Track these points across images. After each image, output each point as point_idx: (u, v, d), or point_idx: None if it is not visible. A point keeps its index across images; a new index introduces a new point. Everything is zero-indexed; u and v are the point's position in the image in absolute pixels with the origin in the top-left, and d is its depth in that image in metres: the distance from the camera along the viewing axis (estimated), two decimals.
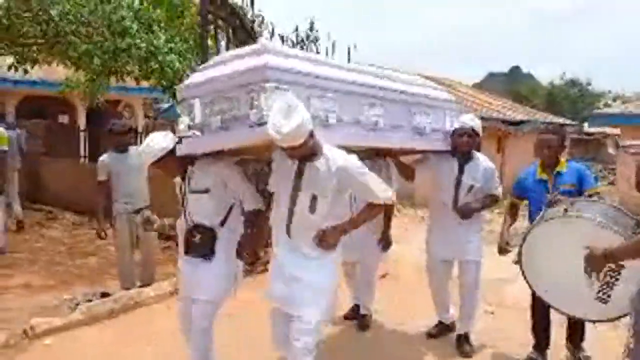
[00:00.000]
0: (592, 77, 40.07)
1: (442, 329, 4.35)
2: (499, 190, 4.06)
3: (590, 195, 3.46)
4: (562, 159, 3.69)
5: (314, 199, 2.77)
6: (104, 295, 5.03)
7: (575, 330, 3.72)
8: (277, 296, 2.96)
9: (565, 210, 3.11)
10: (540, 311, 3.71)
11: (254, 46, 3.07)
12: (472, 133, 3.90)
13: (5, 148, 6.62)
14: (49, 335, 4.10)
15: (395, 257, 5.90)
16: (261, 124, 2.59)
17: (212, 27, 5.05)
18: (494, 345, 4.19)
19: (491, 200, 4.06)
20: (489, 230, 8.15)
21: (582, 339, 3.74)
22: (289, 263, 2.90)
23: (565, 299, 3.14)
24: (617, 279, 2.87)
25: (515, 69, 58.35)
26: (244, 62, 2.78)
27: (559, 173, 3.64)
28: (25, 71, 6.96)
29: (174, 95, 6.40)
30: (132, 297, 4.76)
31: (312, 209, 2.78)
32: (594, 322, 3.41)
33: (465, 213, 3.93)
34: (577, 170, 3.65)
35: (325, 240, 2.82)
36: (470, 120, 3.93)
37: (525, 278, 3.33)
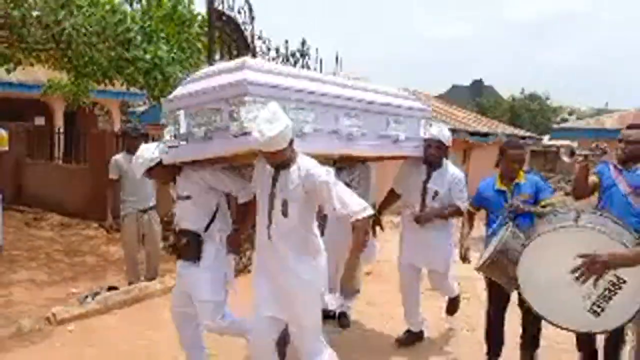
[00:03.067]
0: (550, 92, 41.60)
1: (410, 336, 4.43)
2: (463, 203, 4.14)
3: (544, 206, 3.59)
4: (521, 171, 3.80)
5: (284, 203, 2.93)
6: (111, 288, 5.36)
7: (528, 338, 3.83)
8: (273, 311, 3.05)
9: (576, 220, 3.07)
10: (495, 318, 3.87)
11: (235, 61, 3.33)
12: (439, 144, 4.08)
13: (6, 149, 6.85)
14: (70, 322, 4.45)
15: (379, 257, 6.37)
16: (241, 134, 2.80)
17: (217, 40, 5.46)
18: (470, 328, 4.72)
19: (453, 211, 4.16)
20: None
21: (536, 346, 3.85)
22: (274, 271, 3.03)
23: (557, 309, 3.06)
24: (615, 293, 2.83)
25: (478, 82, 60.05)
26: (226, 77, 2.99)
27: (517, 184, 3.75)
28: (8, 71, 7.24)
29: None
30: (141, 290, 5.13)
31: (285, 213, 2.93)
32: (583, 334, 3.38)
33: (420, 220, 4.09)
34: (534, 181, 3.78)
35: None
36: (438, 133, 4.10)
37: (518, 287, 3.23)
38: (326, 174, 2.92)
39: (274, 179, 2.96)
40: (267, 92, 2.90)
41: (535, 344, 3.86)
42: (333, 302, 4.64)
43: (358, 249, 2.99)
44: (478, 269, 3.60)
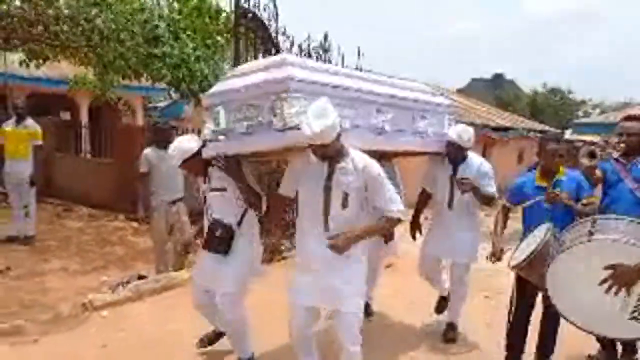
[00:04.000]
0: (573, 86, 41.20)
1: (445, 302, 4.64)
2: (493, 190, 4.23)
3: (585, 205, 3.52)
4: (561, 167, 3.72)
5: (345, 196, 3.02)
6: (141, 277, 5.56)
7: (546, 345, 3.81)
8: (311, 292, 3.12)
9: (590, 232, 2.97)
10: (519, 319, 3.79)
11: (275, 58, 3.44)
12: (455, 145, 4.15)
13: (41, 142, 7.11)
14: (104, 309, 4.67)
15: (400, 251, 6.46)
16: (284, 129, 2.89)
17: (243, 37, 5.61)
18: (490, 325, 4.76)
19: (486, 197, 4.20)
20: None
21: (551, 351, 3.82)
22: (326, 258, 3.04)
23: (598, 321, 2.97)
24: None
25: (499, 76, 59.40)
26: (267, 74, 3.07)
27: (558, 180, 3.64)
28: (37, 67, 7.51)
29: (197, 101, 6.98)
30: (170, 279, 5.33)
31: (344, 205, 3.03)
32: (633, 340, 3.36)
33: (464, 185, 4.11)
34: (575, 178, 3.66)
35: (336, 244, 2.98)
36: (457, 137, 4.13)
37: (552, 301, 3.10)
38: (381, 170, 3.07)
39: (330, 173, 3.04)
40: (308, 89, 3.00)
41: (552, 347, 3.83)
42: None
43: (371, 234, 3.23)
44: (514, 268, 3.50)
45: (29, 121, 7.05)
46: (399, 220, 3.15)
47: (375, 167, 3.06)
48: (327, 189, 3.04)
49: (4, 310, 4.70)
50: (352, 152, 3.08)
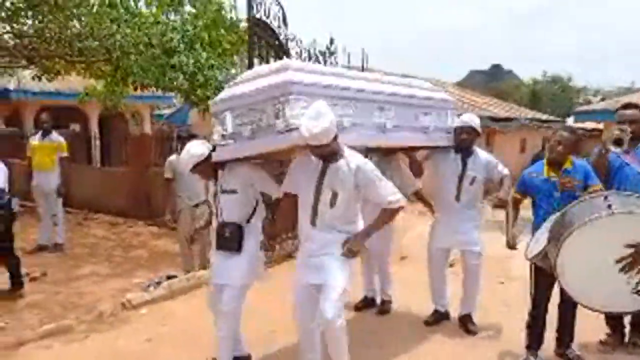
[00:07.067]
0: (572, 73, 41.08)
1: (438, 317, 4.69)
2: (506, 171, 4.46)
3: (592, 193, 3.51)
4: (568, 157, 3.76)
5: (334, 195, 3.19)
6: (170, 277, 5.86)
7: (564, 331, 3.87)
8: (307, 278, 3.34)
9: (609, 206, 2.95)
10: (539, 314, 3.83)
11: (277, 64, 3.62)
12: (470, 130, 4.35)
13: (67, 154, 7.42)
14: (142, 307, 5.01)
15: (411, 242, 6.71)
16: (287, 131, 3.04)
17: (256, 45, 5.92)
18: (505, 309, 5.01)
19: (509, 183, 4.38)
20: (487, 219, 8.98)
21: (571, 339, 3.89)
22: (316, 249, 3.28)
23: (600, 297, 3.02)
24: None
25: (496, 67, 59.53)
26: (269, 79, 3.23)
27: (566, 170, 3.72)
28: (49, 80, 7.84)
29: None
30: (199, 277, 5.64)
31: (332, 204, 3.20)
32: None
33: (504, 204, 4.25)
34: (582, 167, 3.73)
35: (351, 249, 3.22)
36: (470, 120, 4.38)
37: (556, 274, 3.13)
38: (374, 169, 3.26)
39: (322, 172, 3.22)
40: (308, 90, 3.16)
41: (571, 335, 3.90)
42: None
43: (377, 229, 3.38)
44: (531, 259, 3.58)
45: (54, 134, 7.37)
46: (399, 208, 3.31)
47: (367, 166, 3.24)
48: (318, 188, 3.22)
49: (48, 313, 5.03)
50: (347, 152, 3.24)
